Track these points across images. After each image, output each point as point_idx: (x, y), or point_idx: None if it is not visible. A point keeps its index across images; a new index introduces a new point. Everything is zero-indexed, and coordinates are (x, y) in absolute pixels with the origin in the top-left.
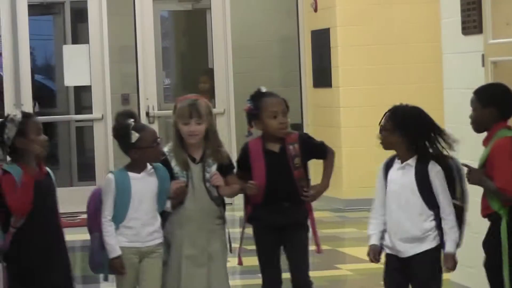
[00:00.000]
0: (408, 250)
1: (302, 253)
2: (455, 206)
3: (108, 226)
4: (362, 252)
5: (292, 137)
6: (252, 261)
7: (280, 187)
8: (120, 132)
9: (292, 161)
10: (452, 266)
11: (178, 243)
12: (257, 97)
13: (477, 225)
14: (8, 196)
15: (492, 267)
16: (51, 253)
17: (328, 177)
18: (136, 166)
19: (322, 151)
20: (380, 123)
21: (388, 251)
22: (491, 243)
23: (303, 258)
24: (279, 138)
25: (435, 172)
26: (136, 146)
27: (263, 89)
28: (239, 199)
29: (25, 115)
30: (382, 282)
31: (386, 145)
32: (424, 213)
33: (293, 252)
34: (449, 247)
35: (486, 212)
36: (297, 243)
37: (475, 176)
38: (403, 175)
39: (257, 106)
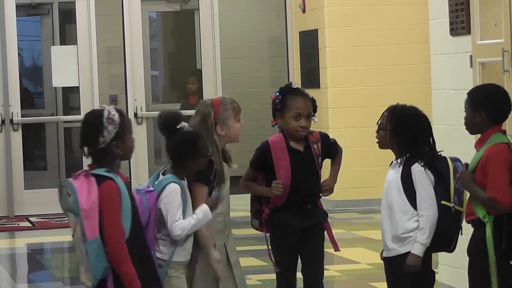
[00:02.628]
0: (397, 249)
1: (319, 256)
2: (454, 209)
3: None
4: (350, 253)
5: (315, 135)
6: (250, 261)
7: (304, 188)
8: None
9: (317, 160)
10: (410, 267)
11: (221, 251)
12: (285, 92)
13: (465, 227)
14: (112, 214)
15: (476, 275)
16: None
17: (337, 172)
18: (185, 175)
19: (335, 150)
20: (377, 122)
21: (384, 253)
22: (476, 251)
23: (320, 262)
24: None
25: (416, 171)
26: (202, 154)
27: (294, 85)
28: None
29: (121, 113)
30: (370, 283)
31: (382, 144)
32: (409, 213)
33: (310, 254)
34: (413, 248)
35: (470, 218)
36: (316, 246)
37: (465, 180)
38: (393, 174)
39: (282, 102)
